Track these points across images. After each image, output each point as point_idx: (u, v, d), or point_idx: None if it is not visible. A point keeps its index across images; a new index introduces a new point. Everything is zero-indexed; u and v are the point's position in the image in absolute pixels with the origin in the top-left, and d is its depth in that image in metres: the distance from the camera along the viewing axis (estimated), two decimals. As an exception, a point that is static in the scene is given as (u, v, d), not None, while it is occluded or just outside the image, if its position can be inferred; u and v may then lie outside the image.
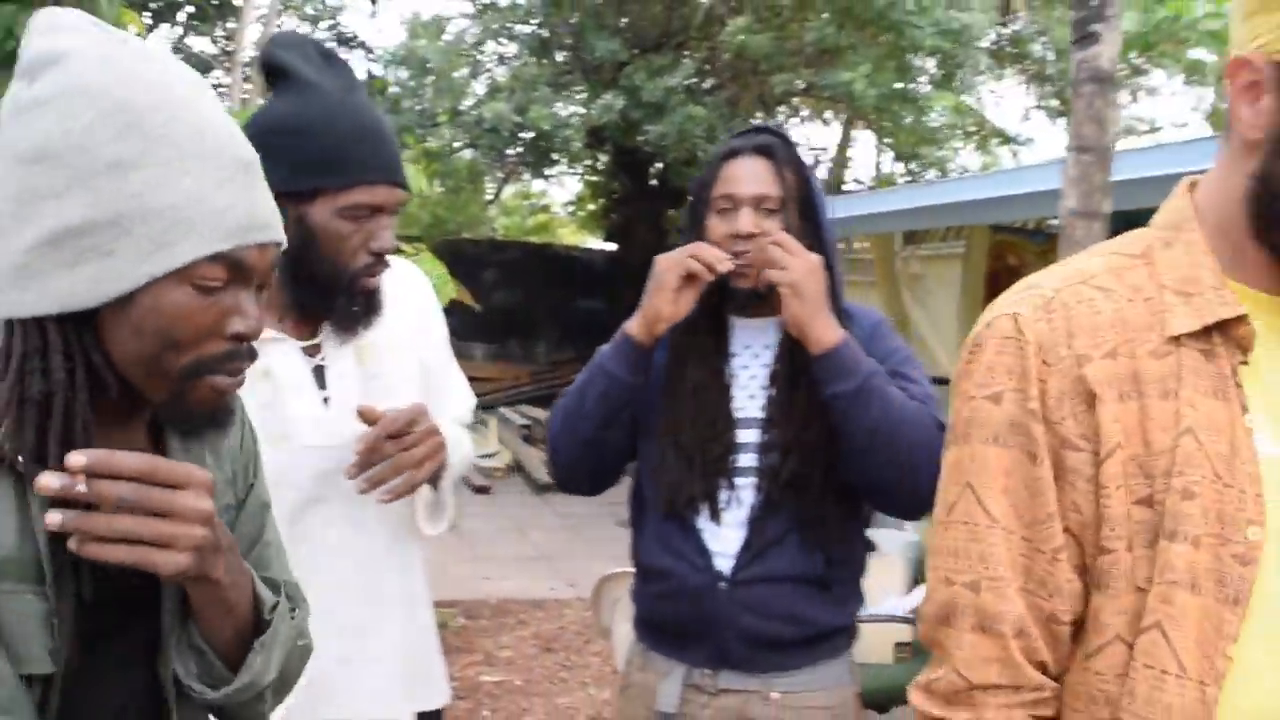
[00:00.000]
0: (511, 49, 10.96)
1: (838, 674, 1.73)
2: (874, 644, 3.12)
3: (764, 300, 1.69)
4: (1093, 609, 0.96)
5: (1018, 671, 0.96)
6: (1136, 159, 3.49)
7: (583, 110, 9.82)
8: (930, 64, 10.25)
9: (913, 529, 6.02)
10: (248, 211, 0.91)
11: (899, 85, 10.08)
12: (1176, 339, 0.95)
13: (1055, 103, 11.56)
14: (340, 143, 1.51)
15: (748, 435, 1.70)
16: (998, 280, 6.20)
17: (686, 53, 9.90)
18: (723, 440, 1.69)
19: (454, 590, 5.67)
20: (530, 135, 9.86)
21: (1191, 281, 0.97)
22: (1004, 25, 11.07)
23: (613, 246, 13.62)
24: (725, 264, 1.64)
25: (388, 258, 1.59)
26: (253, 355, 0.96)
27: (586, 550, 6.80)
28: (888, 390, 1.60)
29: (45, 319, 0.88)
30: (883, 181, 12.70)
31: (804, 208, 1.69)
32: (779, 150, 1.69)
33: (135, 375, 0.92)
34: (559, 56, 10.61)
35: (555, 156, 11.07)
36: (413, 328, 1.72)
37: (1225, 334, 0.95)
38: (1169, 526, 0.91)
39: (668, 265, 1.66)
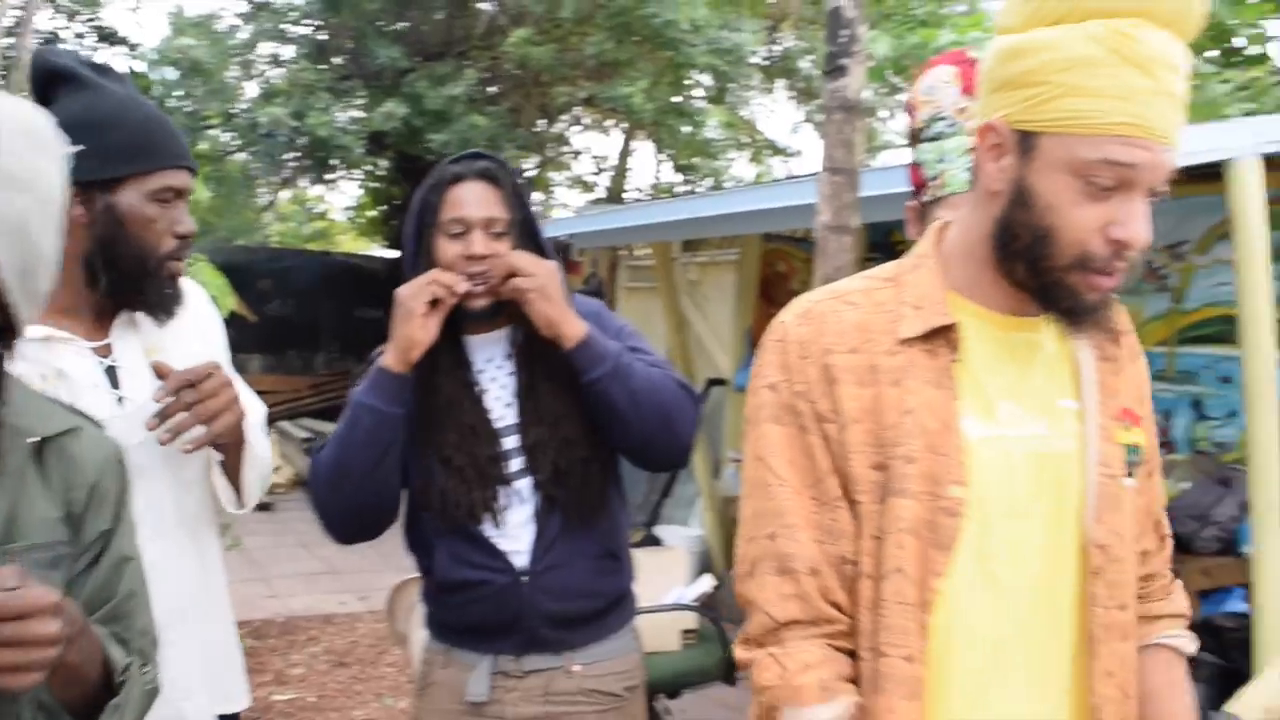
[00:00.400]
0: (287, 51, 10.63)
1: (626, 642, 1.90)
2: (662, 632, 3.29)
3: (495, 316, 1.81)
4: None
5: (814, 607, 1.15)
6: (885, 176, 3.80)
7: (363, 116, 9.64)
8: (705, 79, 10.65)
9: (698, 524, 6.29)
10: None
11: (676, 99, 10.44)
12: (907, 341, 1.18)
13: (822, 117, 12.16)
14: (140, 131, 1.61)
15: (511, 441, 1.81)
16: (770, 285, 6.52)
17: (469, 62, 9.87)
18: (489, 448, 1.79)
19: (240, 610, 5.44)
20: (308, 141, 9.60)
21: (924, 298, 1.20)
22: (774, 43, 11.61)
23: (394, 254, 13.40)
24: (463, 285, 1.75)
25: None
26: None
27: (377, 562, 6.70)
28: (634, 363, 1.77)
29: None
30: (661, 190, 13.06)
31: (526, 229, 1.82)
32: (501, 176, 1.81)
33: None
34: (337, 61, 10.36)
35: (334, 162, 10.80)
36: (193, 332, 1.77)
37: (944, 338, 1.18)
38: (896, 485, 1.14)
39: (412, 293, 1.75)
